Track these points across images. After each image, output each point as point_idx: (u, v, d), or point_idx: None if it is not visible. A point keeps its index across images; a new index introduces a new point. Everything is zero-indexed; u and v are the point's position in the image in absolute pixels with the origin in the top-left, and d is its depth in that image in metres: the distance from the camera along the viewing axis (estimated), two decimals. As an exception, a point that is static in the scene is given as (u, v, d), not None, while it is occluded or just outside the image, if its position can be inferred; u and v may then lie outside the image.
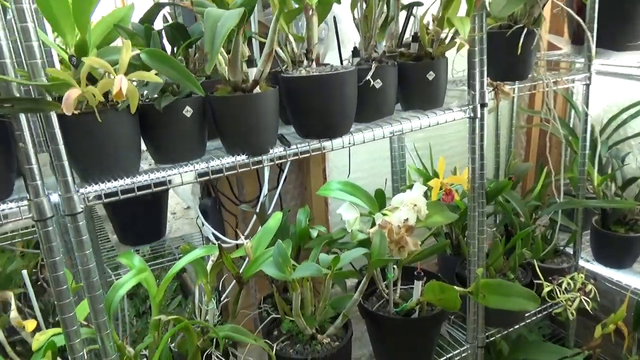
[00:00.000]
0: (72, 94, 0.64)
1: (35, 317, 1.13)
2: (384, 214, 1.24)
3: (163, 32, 0.98)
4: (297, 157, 1.01)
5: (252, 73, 0.92)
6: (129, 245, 1.68)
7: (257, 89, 0.91)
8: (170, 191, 2.01)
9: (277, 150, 0.99)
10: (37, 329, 1.08)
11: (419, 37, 1.14)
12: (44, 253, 0.82)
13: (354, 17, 1.13)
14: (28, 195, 0.78)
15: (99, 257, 1.55)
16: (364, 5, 1.08)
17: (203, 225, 1.51)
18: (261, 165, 0.97)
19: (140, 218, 1.68)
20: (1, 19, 0.71)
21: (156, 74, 0.75)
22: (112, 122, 0.80)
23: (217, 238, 1.47)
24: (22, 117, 0.75)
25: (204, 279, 1.25)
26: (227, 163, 0.94)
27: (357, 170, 1.76)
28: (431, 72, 1.13)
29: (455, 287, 1.20)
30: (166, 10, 1.17)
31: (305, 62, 1.04)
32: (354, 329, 1.23)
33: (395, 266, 1.32)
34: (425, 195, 1.22)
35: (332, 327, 1.17)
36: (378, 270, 1.34)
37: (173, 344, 1.23)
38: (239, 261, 1.33)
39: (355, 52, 1.13)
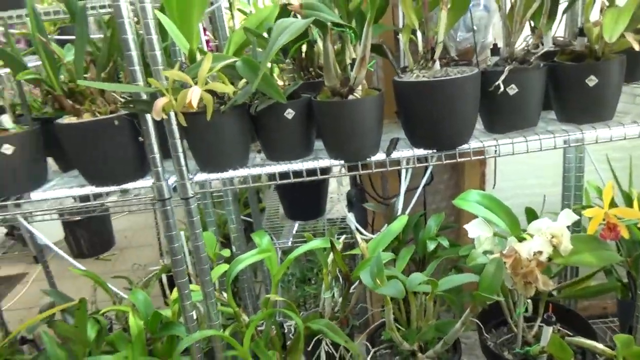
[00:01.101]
0: (159, 102, 0.74)
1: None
2: (521, 239, 1.06)
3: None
4: (398, 167, 0.94)
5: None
6: (292, 220, 1.86)
7: (355, 95, 0.88)
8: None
9: (378, 157, 0.94)
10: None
11: (585, 31, 0.90)
12: (163, 227, 0.99)
13: (499, 7, 0.96)
14: (152, 179, 0.94)
15: (259, 227, 1.76)
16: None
17: (347, 213, 1.55)
18: (357, 173, 0.94)
19: (303, 198, 1.83)
20: (133, 33, 0.85)
21: (246, 83, 0.80)
22: (217, 123, 0.88)
23: (357, 229, 1.50)
24: (148, 116, 0.90)
25: (325, 269, 1.30)
26: (318, 166, 0.94)
27: (527, 178, 1.53)
28: (592, 77, 0.89)
29: (596, 345, 0.96)
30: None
31: (428, 63, 0.95)
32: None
33: (529, 300, 1.13)
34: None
35: (432, 351, 1.09)
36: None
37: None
38: (360, 258, 1.33)
39: (494, 50, 0.97)
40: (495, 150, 0.98)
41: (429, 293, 1.07)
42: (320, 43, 0.91)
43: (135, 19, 0.85)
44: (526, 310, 1.20)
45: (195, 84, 0.75)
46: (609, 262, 0.97)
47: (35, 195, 0.97)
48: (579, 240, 1.00)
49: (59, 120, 0.91)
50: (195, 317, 1.07)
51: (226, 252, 1.31)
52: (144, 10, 0.83)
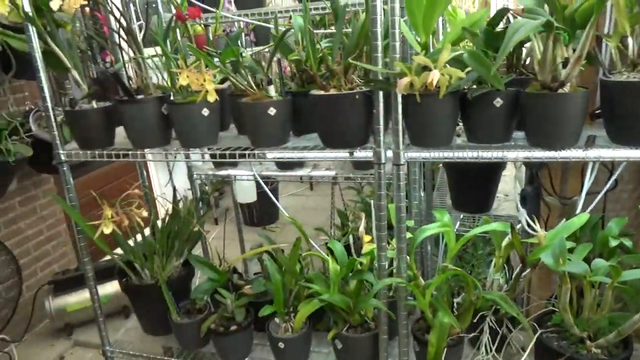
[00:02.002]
0: (403, 81, 0.95)
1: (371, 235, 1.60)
2: None
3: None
4: (594, 159, 1.03)
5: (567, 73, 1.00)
6: (457, 210, 1.99)
7: (564, 90, 1.00)
8: (509, 174, 2.18)
9: (574, 151, 1.04)
10: (371, 241, 1.54)
11: None
12: (376, 187, 1.21)
13: None
14: (373, 146, 1.17)
15: (430, 209, 1.92)
16: None
17: (518, 210, 1.63)
18: (554, 159, 1.05)
19: (473, 189, 1.95)
20: (381, 27, 1.08)
21: (469, 71, 0.97)
22: (432, 104, 1.07)
23: (527, 224, 1.57)
24: (380, 93, 1.12)
25: (498, 252, 1.42)
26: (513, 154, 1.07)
27: None
28: None
29: None
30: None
31: (637, 67, 1.02)
32: None
33: None
34: None
35: (604, 340, 1.14)
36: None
37: (459, 298, 1.47)
38: (533, 247, 1.41)
39: None
40: None
41: (608, 284, 1.13)
42: (535, 42, 1.03)
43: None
44: None
45: (434, 68, 0.95)
46: None
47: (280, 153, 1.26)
48: None
49: (312, 92, 1.18)
50: (386, 267, 1.28)
51: (409, 222, 1.50)
52: (393, 10, 1.05)
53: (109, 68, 1.19)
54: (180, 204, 1.62)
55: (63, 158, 1.38)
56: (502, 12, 1.17)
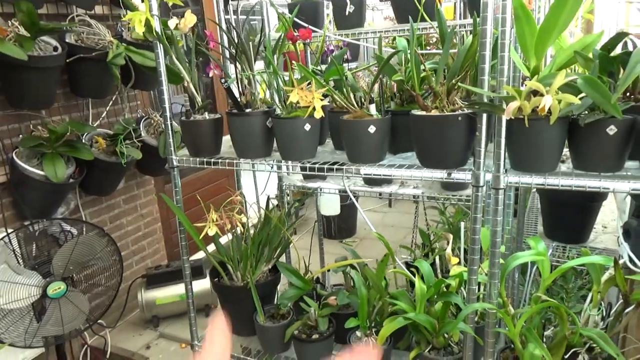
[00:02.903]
0: (512, 105, 0.95)
1: (459, 257, 1.58)
2: None
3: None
4: None
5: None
6: (550, 239, 1.90)
7: (691, 120, 0.94)
8: (609, 204, 2.05)
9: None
10: (459, 263, 1.52)
11: None
12: (472, 210, 1.20)
13: None
14: (472, 168, 1.17)
15: (521, 236, 1.86)
16: None
17: (621, 244, 1.54)
18: (674, 193, 0.99)
19: (569, 218, 1.86)
20: (489, 51, 1.08)
21: (583, 97, 0.95)
22: (540, 129, 1.05)
23: (630, 259, 1.48)
24: (484, 115, 1.12)
25: (596, 286, 1.35)
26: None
27: None
28: None
29: None
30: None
31: None
32: None
33: None
34: None
35: None
36: None
37: (549, 331, 1.41)
38: (635, 284, 1.33)
39: None
40: None
41: None
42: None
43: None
44: None
45: (546, 93, 0.94)
46: None
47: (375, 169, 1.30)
48: None
49: (414, 112, 1.21)
50: (477, 291, 1.26)
51: (502, 248, 1.47)
52: (504, 34, 1.05)
53: (224, 83, 1.29)
54: (272, 212, 1.70)
55: (175, 163, 1.50)
56: (620, 37, 1.14)
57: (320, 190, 2.33)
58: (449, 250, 1.62)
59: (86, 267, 2.08)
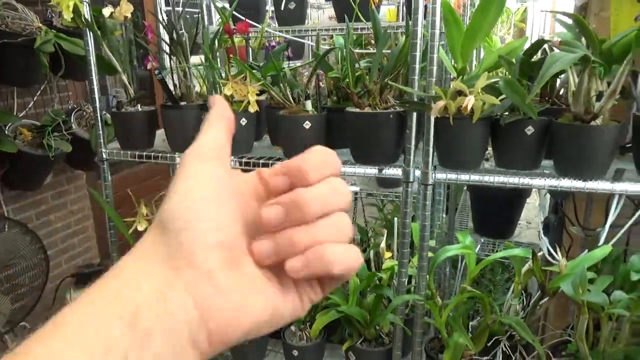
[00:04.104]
0: (438, 104, 0.99)
1: (393, 251, 1.63)
2: None
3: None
4: (621, 192, 1.05)
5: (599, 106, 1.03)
6: (479, 234, 2.00)
7: (597, 122, 1.02)
8: (533, 202, 2.19)
9: (601, 183, 1.06)
10: (392, 257, 1.56)
11: None
12: (402, 205, 1.24)
13: None
14: (403, 164, 1.21)
15: (452, 231, 1.94)
16: None
17: (541, 238, 1.64)
18: (582, 189, 1.07)
19: (497, 215, 1.96)
20: (420, 51, 1.12)
21: (503, 98, 1.01)
22: (464, 128, 1.11)
23: (548, 252, 1.59)
24: (414, 114, 1.16)
25: (518, 278, 1.43)
26: (546, 183, 1.10)
27: None
28: None
29: None
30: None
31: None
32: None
33: None
34: None
35: (621, 372, 1.15)
36: None
37: (475, 321, 1.49)
38: (553, 275, 1.43)
39: None
40: None
41: (626, 316, 1.14)
42: (569, 74, 1.07)
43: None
44: None
45: (469, 94, 0.99)
46: None
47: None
48: None
49: (348, 109, 1.23)
50: (406, 284, 1.31)
51: (432, 242, 1.53)
52: (433, 36, 1.10)
53: (157, 75, 1.25)
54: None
55: (105, 156, 1.45)
56: (540, 43, 1.21)
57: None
58: (383, 244, 1.66)
59: (8, 267, 1.96)
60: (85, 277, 2.57)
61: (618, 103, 1.02)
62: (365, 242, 2.39)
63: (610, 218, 1.45)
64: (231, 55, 1.35)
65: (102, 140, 1.44)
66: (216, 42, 1.43)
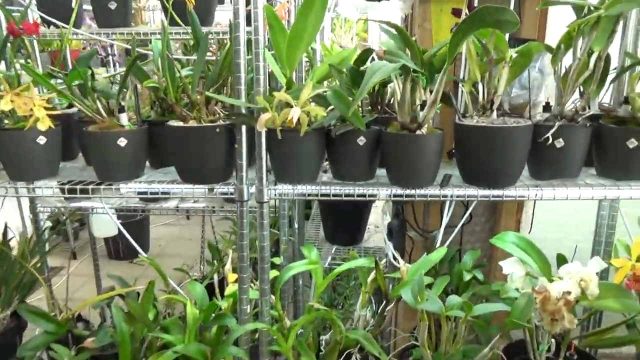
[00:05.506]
0: (263, 117, 0.90)
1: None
2: (551, 280, 1.17)
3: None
4: (449, 199, 1.07)
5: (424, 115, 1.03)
6: (331, 243, 1.99)
7: (422, 131, 1.03)
8: (380, 205, 2.25)
9: (430, 190, 1.07)
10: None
11: (630, 100, 1.04)
12: (239, 225, 1.13)
13: (554, 70, 1.11)
14: (235, 182, 1.10)
15: (301, 243, 1.89)
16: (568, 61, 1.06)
17: (386, 242, 1.67)
18: (413, 199, 1.07)
19: (345, 223, 1.97)
20: (245, 59, 1.02)
21: (332, 109, 0.96)
22: (295, 140, 1.03)
23: (393, 257, 1.61)
24: (243, 127, 1.06)
25: (365, 287, 1.42)
26: (380, 191, 1.08)
27: (560, 232, 1.63)
28: (633, 140, 1.01)
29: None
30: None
31: (487, 112, 1.09)
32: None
33: (553, 339, 1.22)
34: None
35: (459, 373, 1.18)
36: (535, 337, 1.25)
37: (327, 336, 1.44)
38: (397, 281, 1.44)
39: (547, 108, 1.11)
40: (537, 194, 1.10)
41: (462, 318, 1.18)
42: (395, 84, 1.06)
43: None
44: (549, 350, 1.28)
45: (295, 105, 0.91)
46: (631, 309, 1.06)
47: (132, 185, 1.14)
48: (606, 287, 1.10)
49: (169, 123, 1.08)
50: (248, 310, 1.20)
51: (277, 260, 1.44)
52: (257, 42, 1.00)
53: None
54: (15, 244, 1.39)
55: None
56: (368, 52, 1.20)
57: (92, 210, 2.03)
58: (228, 266, 1.54)
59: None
60: None
61: (445, 111, 1.03)
62: (218, 260, 2.24)
63: (444, 220, 1.52)
64: (28, 61, 1.11)
65: None
66: (8, 44, 1.17)
